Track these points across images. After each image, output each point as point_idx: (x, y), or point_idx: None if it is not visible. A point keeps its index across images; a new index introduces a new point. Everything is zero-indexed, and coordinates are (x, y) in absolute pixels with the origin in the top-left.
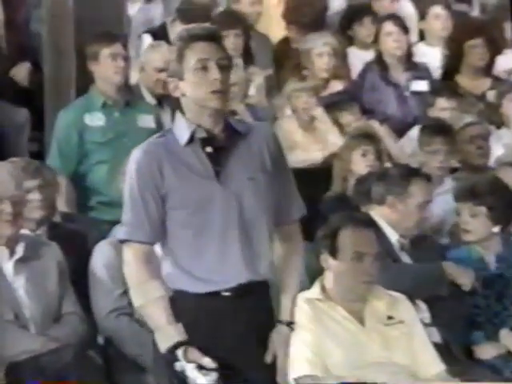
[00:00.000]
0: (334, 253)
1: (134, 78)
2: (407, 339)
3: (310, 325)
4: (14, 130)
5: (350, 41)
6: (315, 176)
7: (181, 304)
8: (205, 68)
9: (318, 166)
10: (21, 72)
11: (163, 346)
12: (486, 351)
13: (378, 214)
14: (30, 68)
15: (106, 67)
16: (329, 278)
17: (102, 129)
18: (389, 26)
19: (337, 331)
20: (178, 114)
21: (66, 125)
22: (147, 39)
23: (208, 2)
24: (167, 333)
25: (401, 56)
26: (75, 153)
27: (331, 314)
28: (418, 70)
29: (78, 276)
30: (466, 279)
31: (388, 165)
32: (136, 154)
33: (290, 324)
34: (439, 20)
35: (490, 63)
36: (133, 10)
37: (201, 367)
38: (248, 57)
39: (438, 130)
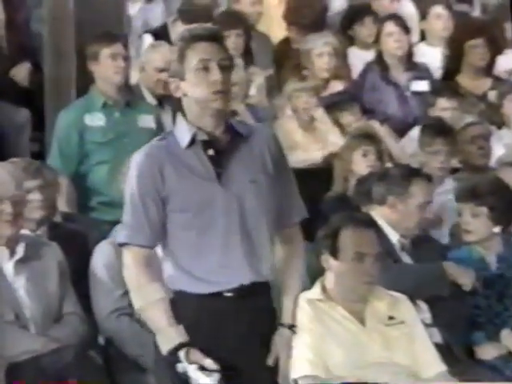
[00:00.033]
0: (334, 253)
1: (135, 78)
2: (408, 339)
3: (310, 325)
4: (15, 131)
5: (351, 41)
6: (316, 176)
7: (183, 305)
8: (206, 68)
9: (318, 166)
10: (21, 72)
11: (165, 347)
12: (486, 351)
13: (378, 214)
14: (30, 68)
15: (106, 67)
16: (329, 279)
17: (103, 129)
18: (390, 26)
19: (337, 331)
20: (180, 117)
21: (67, 125)
22: (148, 39)
23: (209, 2)
24: (168, 335)
25: (401, 56)
26: (75, 153)
27: (332, 315)
28: (418, 70)
29: (78, 276)
30: (466, 279)
31: (389, 165)
32: (137, 158)
33: (292, 327)
34: (440, 20)
35: (491, 63)
36: (133, 9)
37: (203, 368)
38: (248, 57)
39: (439, 130)
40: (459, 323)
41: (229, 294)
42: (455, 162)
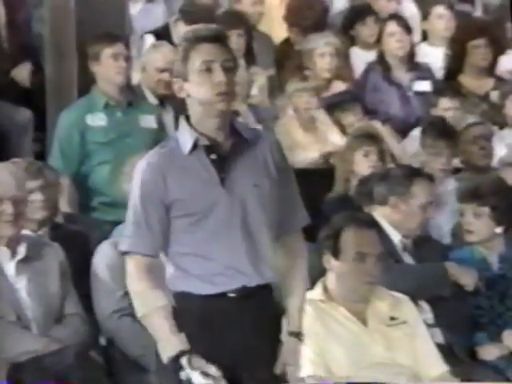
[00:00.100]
0: (336, 253)
1: (136, 78)
2: (410, 340)
3: (312, 326)
4: (17, 131)
5: (353, 41)
6: (318, 176)
7: (186, 306)
8: (209, 70)
9: (319, 166)
10: (22, 72)
11: (166, 355)
12: (488, 352)
13: (380, 214)
14: (31, 68)
15: (107, 67)
16: (331, 279)
17: (104, 129)
18: (392, 26)
19: (339, 332)
20: (182, 121)
21: (68, 125)
22: (150, 39)
23: (211, 2)
24: (170, 342)
25: (403, 56)
26: (77, 153)
27: (333, 315)
28: (420, 70)
29: (80, 276)
30: (468, 279)
31: (391, 165)
32: (140, 166)
33: (299, 335)
34: (442, 20)
35: (493, 63)
36: (134, 9)
37: (206, 375)
38: (250, 57)
39: (441, 132)
40: (461, 324)
41: (232, 295)
42: (457, 163)
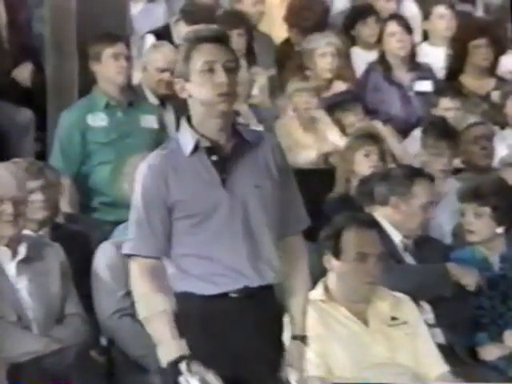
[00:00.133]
0: (337, 253)
1: (137, 78)
2: (411, 340)
3: (313, 326)
4: (18, 131)
5: (353, 41)
6: (318, 177)
7: (188, 306)
8: (211, 70)
9: (320, 166)
10: (23, 72)
11: (165, 359)
12: (490, 352)
13: (381, 214)
14: (32, 68)
15: (108, 67)
16: (332, 279)
17: (105, 129)
18: (392, 26)
19: (340, 332)
20: (184, 123)
21: (69, 125)
22: (150, 39)
23: (211, 2)
24: (170, 347)
25: (404, 56)
26: (78, 153)
27: (334, 315)
28: (421, 70)
29: (80, 277)
30: (470, 279)
31: (392, 165)
32: (141, 169)
33: (304, 338)
34: (443, 20)
35: (494, 63)
36: (135, 9)
37: (205, 381)
38: (251, 57)
39: (443, 133)
40: (462, 324)
41: (234, 295)
42: (458, 163)
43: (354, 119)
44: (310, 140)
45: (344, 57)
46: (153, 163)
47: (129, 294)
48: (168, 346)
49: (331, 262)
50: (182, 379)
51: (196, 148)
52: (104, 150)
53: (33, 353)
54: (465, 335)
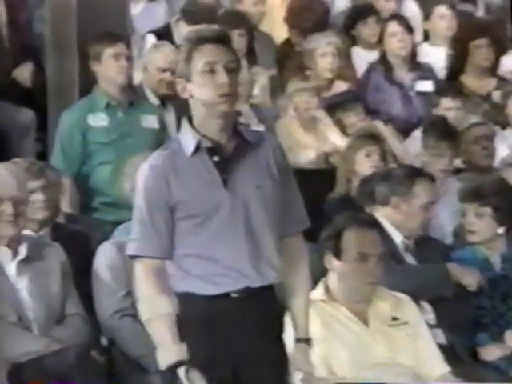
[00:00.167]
0: (338, 254)
1: (138, 78)
2: (412, 340)
3: (313, 326)
4: (19, 131)
5: (354, 41)
6: (319, 177)
7: (189, 306)
8: (212, 71)
9: (321, 166)
10: (24, 72)
11: (163, 363)
12: (490, 352)
13: (382, 214)
14: (32, 68)
15: (108, 67)
16: (333, 279)
17: (106, 129)
18: (393, 26)
19: (341, 332)
20: (185, 123)
21: (70, 125)
22: (151, 39)
23: (212, 2)
24: (169, 351)
25: (405, 56)
26: (78, 153)
27: (335, 315)
28: (422, 70)
29: (81, 277)
30: (471, 280)
31: (393, 165)
32: (143, 170)
33: (308, 340)
34: (444, 20)
35: (495, 63)
36: (136, 9)
37: None
38: (252, 57)
39: (443, 133)
40: (463, 324)
41: (235, 295)
42: (459, 163)
43: (355, 119)
44: (311, 140)
45: (345, 57)
46: (154, 164)
47: (129, 294)
48: (168, 350)
49: (332, 262)
50: None
51: (197, 148)
52: (104, 150)
53: (33, 353)
54: (465, 335)
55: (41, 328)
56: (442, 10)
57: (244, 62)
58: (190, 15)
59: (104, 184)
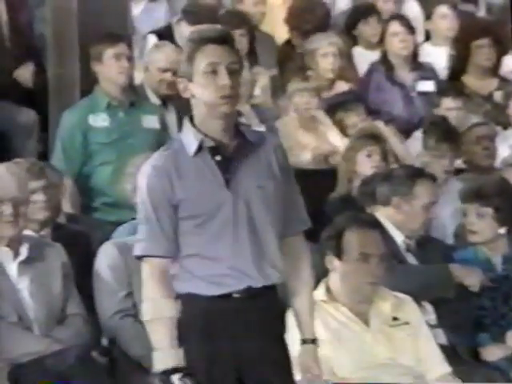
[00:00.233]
0: (339, 254)
1: (139, 78)
2: (413, 341)
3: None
4: (20, 131)
5: (355, 41)
6: (320, 177)
7: (191, 307)
8: (214, 72)
9: (322, 166)
10: (25, 73)
11: (159, 366)
12: (491, 353)
13: (383, 214)
14: (33, 69)
15: (109, 67)
16: (334, 279)
17: (107, 129)
18: (394, 26)
19: (342, 332)
20: (186, 123)
21: (71, 125)
22: (152, 39)
23: (214, 2)
24: (166, 355)
25: (407, 56)
26: (79, 154)
27: (336, 316)
28: (424, 70)
29: (82, 277)
30: (473, 280)
31: (394, 165)
32: (145, 170)
33: (314, 341)
34: (445, 20)
35: (497, 63)
36: (137, 10)
37: None
38: (253, 57)
39: (444, 135)
40: (464, 324)
41: (237, 296)
42: (460, 163)
43: (357, 119)
44: (311, 140)
45: (346, 57)
46: (156, 164)
47: (130, 294)
48: (165, 354)
49: (333, 263)
50: None
51: (200, 148)
52: (106, 151)
53: (34, 353)
54: (467, 336)
55: (42, 328)
56: (443, 10)
57: (245, 63)
58: (191, 15)
59: (105, 184)
